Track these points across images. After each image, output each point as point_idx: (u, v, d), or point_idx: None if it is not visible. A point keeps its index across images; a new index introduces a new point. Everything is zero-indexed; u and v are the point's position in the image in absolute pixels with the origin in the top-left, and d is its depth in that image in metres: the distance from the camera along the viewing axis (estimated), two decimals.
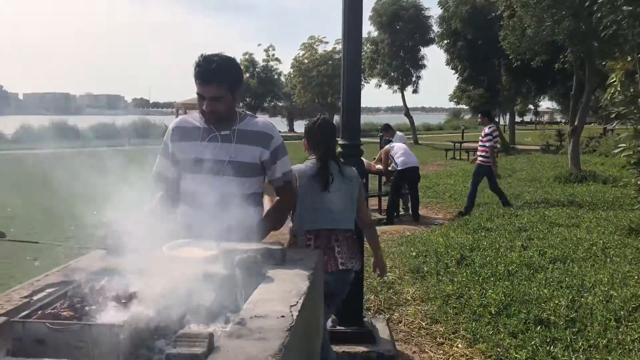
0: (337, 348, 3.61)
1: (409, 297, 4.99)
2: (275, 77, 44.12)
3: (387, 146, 9.12)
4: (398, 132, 10.20)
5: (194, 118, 2.61)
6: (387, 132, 10.07)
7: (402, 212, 9.39)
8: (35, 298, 1.68)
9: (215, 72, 2.37)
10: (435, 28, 29.03)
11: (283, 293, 1.76)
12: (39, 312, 1.54)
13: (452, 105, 40.61)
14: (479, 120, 9.82)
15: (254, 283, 1.86)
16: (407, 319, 4.52)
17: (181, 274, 1.94)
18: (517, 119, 48.82)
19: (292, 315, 1.56)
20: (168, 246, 2.22)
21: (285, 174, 2.64)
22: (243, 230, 2.44)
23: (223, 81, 2.40)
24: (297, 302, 1.67)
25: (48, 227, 7.44)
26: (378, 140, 12.33)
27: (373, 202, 9.83)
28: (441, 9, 26.58)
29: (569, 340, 3.83)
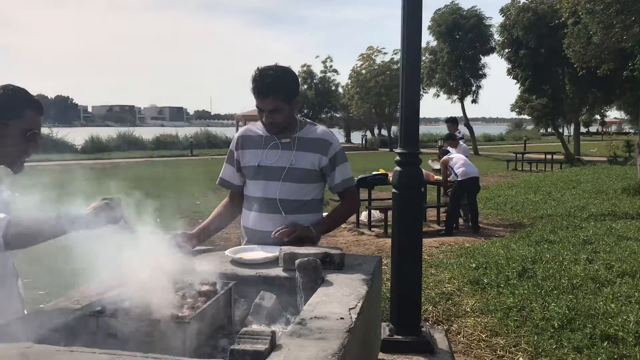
0: (393, 357, 3.60)
1: (468, 309, 4.90)
2: (333, 88, 44.34)
3: (445, 157, 8.99)
4: (462, 144, 9.92)
5: (258, 127, 2.69)
6: (451, 142, 9.76)
7: (461, 224, 9.24)
8: (108, 294, 1.77)
9: (270, 85, 2.43)
10: (496, 36, 28.49)
11: (342, 296, 1.78)
12: (112, 307, 1.63)
13: (513, 115, 39.68)
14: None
15: (313, 286, 1.90)
16: (466, 331, 4.45)
17: (243, 276, 2.01)
18: (582, 129, 47.19)
19: (351, 318, 1.58)
20: (231, 250, 2.29)
21: (345, 180, 2.67)
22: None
23: (279, 93, 2.46)
24: (356, 305, 1.69)
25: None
26: (437, 151, 12.15)
27: (432, 213, 9.73)
28: (502, 16, 26.07)
29: (638, 357, 3.67)
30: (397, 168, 3.64)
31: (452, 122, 10.84)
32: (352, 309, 1.66)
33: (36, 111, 1.95)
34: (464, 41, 29.75)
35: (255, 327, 1.69)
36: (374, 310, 2.13)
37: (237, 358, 1.30)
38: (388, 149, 36.10)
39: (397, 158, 3.63)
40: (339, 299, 1.75)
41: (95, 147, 30.70)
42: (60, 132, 31.56)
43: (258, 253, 2.29)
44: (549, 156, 21.48)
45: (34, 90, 2.02)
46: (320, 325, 1.51)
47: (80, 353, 1.30)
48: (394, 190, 3.66)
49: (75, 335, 1.53)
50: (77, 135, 32.05)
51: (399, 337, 3.73)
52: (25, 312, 2.05)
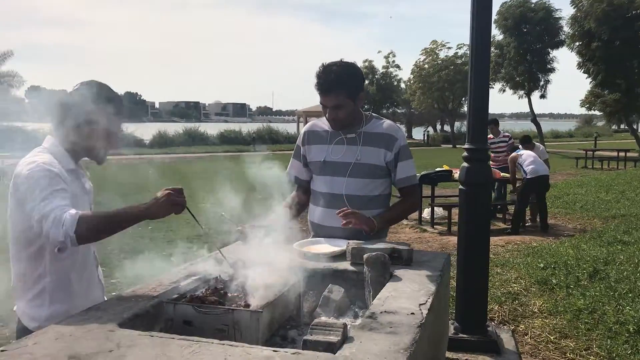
0: (459, 355, 3.55)
1: (536, 310, 4.76)
2: (395, 83, 43.93)
3: (514, 153, 8.73)
4: (540, 145, 9.48)
5: (324, 122, 2.70)
6: (527, 145, 9.38)
7: (528, 222, 8.97)
8: (182, 284, 1.83)
9: (333, 82, 2.44)
10: (566, 29, 27.44)
11: (411, 292, 1.77)
12: (187, 296, 1.68)
13: (583, 111, 38.14)
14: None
15: (381, 281, 1.90)
16: (533, 332, 4.32)
17: (311, 269, 2.03)
18: None
19: (422, 313, 1.57)
20: (299, 243, 2.32)
21: (408, 178, 2.63)
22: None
23: (342, 90, 2.46)
24: (427, 301, 1.68)
25: (181, 224, 7.97)
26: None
27: (498, 211, 9.50)
28: (574, 8, 25.06)
29: None
30: (465, 164, 3.58)
31: (493, 123, 9.68)
32: (422, 304, 1.65)
33: (118, 106, 2.04)
34: (532, 34, 28.83)
35: (324, 318, 1.71)
36: (443, 307, 2.11)
37: (310, 348, 1.32)
38: (451, 145, 35.50)
39: (465, 154, 3.57)
40: (408, 295, 1.75)
41: (162, 142, 31.69)
42: (130, 128, 32.73)
43: (325, 247, 2.31)
44: (621, 154, 20.56)
45: None
46: (390, 320, 1.51)
47: (159, 338, 1.36)
48: (460, 186, 3.61)
49: (153, 321, 1.60)
50: (145, 131, 33.16)
51: (465, 335, 3.68)
52: (105, 299, 2.15)
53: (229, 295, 1.71)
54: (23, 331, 1.85)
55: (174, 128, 35.36)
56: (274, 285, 1.76)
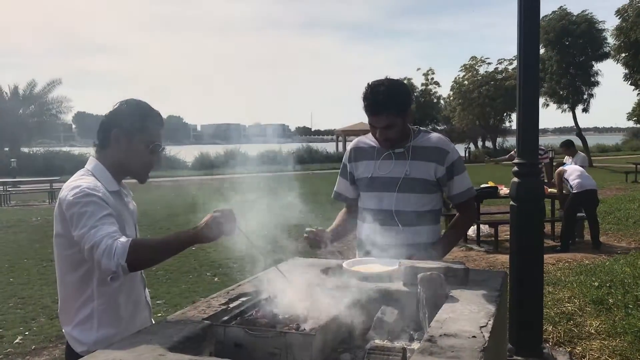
0: None
1: (593, 331, 4.55)
2: (434, 100, 43.60)
3: (560, 168, 8.47)
4: (580, 153, 9.29)
5: (369, 138, 2.65)
6: (567, 150, 9.19)
7: (576, 239, 8.65)
8: (231, 305, 1.78)
9: (382, 103, 2.38)
10: (611, 40, 26.77)
11: (470, 313, 1.68)
12: (237, 318, 1.63)
13: (630, 124, 36.98)
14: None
15: (436, 302, 1.81)
16: (591, 354, 4.12)
17: (363, 290, 1.95)
18: None
19: (483, 336, 1.48)
20: (348, 262, 2.25)
21: (466, 191, 2.54)
22: (422, 248, 2.40)
23: (392, 109, 2.40)
24: (487, 324, 1.58)
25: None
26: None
27: (546, 228, 9.21)
28: (619, 18, 24.47)
29: None
30: (515, 179, 3.47)
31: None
32: (483, 327, 1.56)
33: (158, 123, 2.02)
34: (575, 47, 28.23)
35: (379, 341, 1.63)
36: (502, 329, 2.01)
37: None
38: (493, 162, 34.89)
39: (515, 169, 3.46)
40: (467, 316, 1.65)
41: (204, 164, 32.16)
42: (173, 150, 33.42)
43: (376, 266, 2.23)
44: None
45: None
46: (451, 344, 1.42)
47: None
48: (512, 202, 3.49)
49: (203, 345, 1.55)
50: (187, 153, 33.74)
51: (519, 357, 3.53)
52: (152, 321, 2.12)
53: (281, 317, 1.65)
54: (71, 355, 1.83)
55: (216, 150, 35.86)
56: (326, 306, 1.69)
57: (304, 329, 1.54)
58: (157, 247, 1.80)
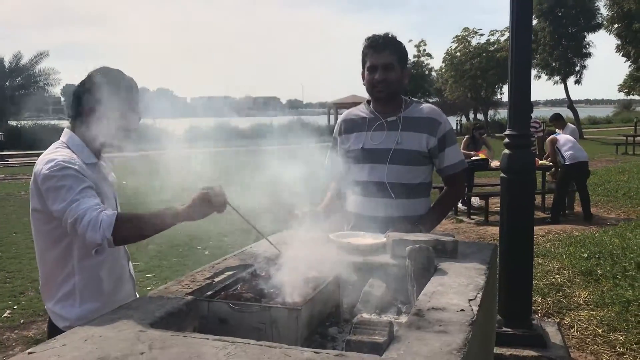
0: (503, 350, 3.41)
1: (581, 302, 4.58)
2: (426, 72, 43.27)
3: (552, 136, 8.41)
4: (570, 125, 9.27)
5: (360, 109, 2.59)
6: (557, 122, 9.17)
7: (567, 211, 8.67)
8: (216, 280, 1.75)
9: (386, 41, 2.44)
10: (604, 11, 26.56)
11: (459, 286, 1.66)
12: (222, 293, 1.60)
13: (621, 96, 36.94)
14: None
15: (425, 275, 1.78)
16: (580, 325, 4.15)
17: (351, 262, 1.92)
18: None
19: (472, 310, 1.46)
20: (336, 235, 2.21)
21: (456, 164, 2.50)
22: (413, 221, 2.37)
23: (394, 50, 2.43)
24: (476, 297, 1.56)
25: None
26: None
27: (537, 200, 9.23)
28: None
29: None
30: (506, 151, 3.43)
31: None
32: (471, 300, 1.54)
33: (131, 91, 1.94)
34: (567, 18, 28.00)
35: (366, 315, 1.60)
36: (491, 302, 1.99)
37: (354, 349, 1.22)
38: (485, 134, 34.88)
39: (507, 140, 3.42)
40: (455, 289, 1.63)
41: (194, 137, 31.96)
42: (162, 124, 33.17)
43: (365, 239, 2.20)
44: None
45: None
46: (439, 317, 1.40)
47: (193, 339, 1.27)
48: (502, 175, 3.45)
49: (187, 320, 1.52)
50: (177, 126, 33.47)
51: (508, 329, 3.54)
52: (137, 295, 2.09)
53: (266, 291, 1.62)
54: (54, 331, 1.79)
55: (206, 123, 35.61)
56: (312, 280, 1.66)
57: (290, 303, 1.51)
58: (143, 222, 1.75)
